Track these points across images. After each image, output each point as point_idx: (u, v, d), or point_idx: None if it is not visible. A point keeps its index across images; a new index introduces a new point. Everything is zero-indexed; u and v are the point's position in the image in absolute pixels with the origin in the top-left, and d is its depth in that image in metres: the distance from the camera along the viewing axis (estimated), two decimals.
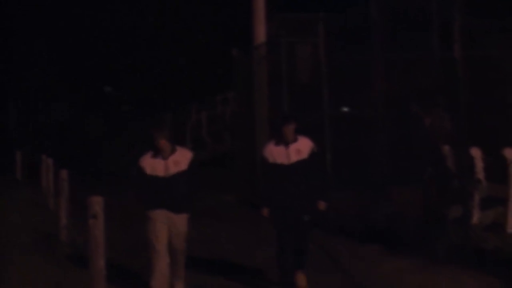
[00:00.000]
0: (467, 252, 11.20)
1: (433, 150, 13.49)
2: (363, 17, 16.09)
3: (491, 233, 12.46)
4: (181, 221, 9.90)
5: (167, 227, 9.78)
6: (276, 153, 10.14)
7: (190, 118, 37.15)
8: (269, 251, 13.32)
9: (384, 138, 15.50)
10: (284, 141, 10.15)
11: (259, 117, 20.42)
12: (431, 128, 14.13)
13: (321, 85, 17.19)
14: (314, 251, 13.12)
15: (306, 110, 18.11)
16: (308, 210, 10.16)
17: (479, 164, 13.21)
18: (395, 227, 12.97)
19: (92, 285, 8.59)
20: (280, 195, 10.07)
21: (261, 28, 20.76)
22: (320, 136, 16.22)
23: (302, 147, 10.16)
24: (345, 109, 18.28)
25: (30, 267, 12.29)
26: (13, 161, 33.97)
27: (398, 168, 14.31)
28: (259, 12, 20.80)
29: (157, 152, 9.87)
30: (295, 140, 10.17)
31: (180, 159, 9.89)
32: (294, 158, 10.06)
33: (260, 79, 20.41)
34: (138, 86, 48.29)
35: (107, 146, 41.50)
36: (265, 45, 20.48)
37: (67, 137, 43.75)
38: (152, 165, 9.84)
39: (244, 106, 22.25)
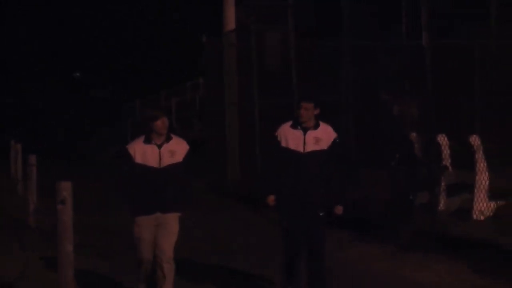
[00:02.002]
0: (434, 237, 11.25)
1: (401, 137, 13.55)
2: (332, 5, 16.11)
3: (457, 219, 12.54)
4: (171, 220, 8.47)
5: (154, 231, 8.45)
6: (291, 137, 8.50)
7: (159, 105, 37.08)
8: (239, 238, 13.40)
9: (352, 123, 15.56)
10: (302, 126, 8.49)
11: (229, 102, 20.46)
12: (399, 115, 14.18)
13: (290, 71, 17.21)
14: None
15: (275, 96, 18.14)
16: (322, 205, 8.52)
17: (446, 151, 13.29)
18: (363, 214, 13.00)
19: (60, 270, 8.56)
20: (289, 188, 8.49)
21: (231, 15, 20.75)
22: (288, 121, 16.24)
23: (323, 135, 8.49)
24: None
25: None
26: None
27: (366, 153, 14.35)
28: None
29: (151, 138, 8.36)
30: (315, 126, 8.50)
31: (176, 149, 8.43)
32: (310, 147, 8.41)
33: (230, 66, 20.44)
34: (108, 72, 48.17)
35: (76, 131, 41.35)
36: (234, 32, 20.49)
37: (35, 122, 43.48)
38: (143, 152, 8.33)
39: (214, 92, 22.25)
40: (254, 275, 10.39)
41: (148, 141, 8.36)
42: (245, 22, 20.14)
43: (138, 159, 8.31)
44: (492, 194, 12.90)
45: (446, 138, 13.37)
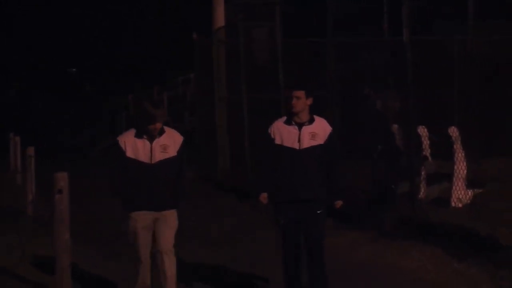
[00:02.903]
0: (414, 224, 11.29)
1: (383, 129, 13.57)
2: (317, 3, 16.12)
3: (436, 206, 12.58)
4: (169, 216, 7.82)
5: (151, 228, 7.77)
6: (285, 134, 7.83)
7: (156, 100, 37.04)
8: (227, 226, 13.40)
9: (336, 116, 15.58)
10: (296, 122, 7.84)
11: (219, 96, 20.48)
12: (382, 109, 14.21)
13: (277, 67, 17.20)
14: (269, 225, 13.18)
15: (263, 90, 18.16)
16: (321, 202, 7.93)
17: (426, 142, 13.34)
18: (347, 202, 13.03)
19: (58, 257, 8.57)
20: (286, 186, 7.84)
21: (220, 13, 20.74)
22: (276, 115, 16.24)
23: (319, 130, 7.86)
24: None
25: None
26: None
27: (349, 145, 14.36)
28: None
29: (142, 131, 7.65)
30: (310, 121, 7.86)
31: (169, 143, 7.70)
32: (307, 143, 7.79)
33: (219, 61, 20.45)
34: (102, 67, 48.08)
35: (71, 124, 41.26)
36: (223, 29, 20.49)
37: (34, 116, 43.38)
38: (134, 146, 7.60)
39: (204, 86, 22.24)
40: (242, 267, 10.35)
41: (139, 134, 7.65)
42: (233, 20, 20.13)
43: (129, 153, 7.61)
44: (470, 183, 12.95)
45: (426, 130, 13.41)
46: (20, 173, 19.23)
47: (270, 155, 7.99)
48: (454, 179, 12.85)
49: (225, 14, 20.81)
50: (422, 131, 13.35)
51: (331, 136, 7.92)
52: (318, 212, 7.89)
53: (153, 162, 7.60)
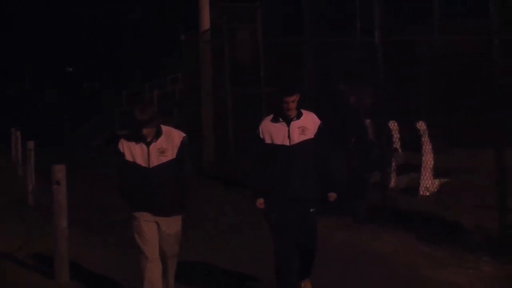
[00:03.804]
0: (385, 211, 11.32)
1: (357, 123, 13.59)
2: (296, 5, 16.10)
3: (406, 195, 12.62)
4: (171, 223, 7.05)
5: (156, 226, 7.03)
6: (274, 132, 7.20)
7: (144, 96, 37.05)
8: (211, 213, 13.37)
9: (312, 110, 15.59)
10: (284, 117, 7.23)
11: (204, 93, 20.52)
12: (355, 104, 14.23)
13: (258, 65, 17.21)
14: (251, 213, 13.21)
15: (245, 87, 18.18)
16: (314, 200, 7.31)
17: (396, 135, 13.35)
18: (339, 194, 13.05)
19: (57, 243, 8.57)
20: (279, 184, 7.19)
21: (206, 16, 20.73)
22: (258, 110, 16.29)
23: (308, 124, 7.26)
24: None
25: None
26: None
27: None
28: (204, 2, 20.76)
29: (138, 135, 6.85)
30: (298, 116, 7.27)
31: (167, 146, 6.87)
32: (297, 138, 7.17)
33: (205, 60, 20.48)
34: (99, 66, 48.01)
35: (69, 119, 41.17)
36: (209, 30, 20.51)
37: (34, 112, 43.22)
38: (132, 150, 6.87)
39: (191, 84, 22.27)
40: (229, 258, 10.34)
41: (136, 139, 6.87)
42: (218, 22, 20.13)
43: (128, 156, 6.86)
44: (437, 173, 12.99)
45: (396, 124, 13.43)
46: (21, 165, 19.19)
47: (261, 156, 7.33)
48: (422, 169, 12.88)
49: (211, 16, 20.80)
50: (393, 125, 13.37)
51: (320, 129, 7.31)
52: (311, 210, 7.26)
53: (150, 166, 6.81)
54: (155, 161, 6.81)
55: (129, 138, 6.91)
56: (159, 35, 43.98)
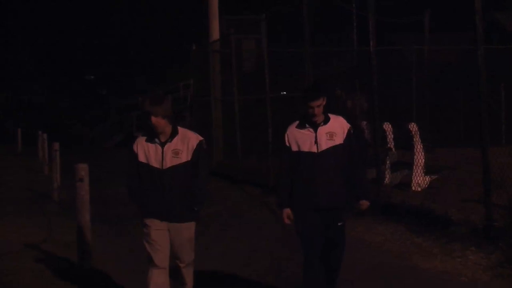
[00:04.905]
0: (380, 205, 11.31)
1: (353, 125, 13.60)
2: (297, 18, 16.13)
3: (399, 190, 12.62)
4: (184, 229, 6.25)
5: (168, 234, 6.25)
6: (301, 139, 6.28)
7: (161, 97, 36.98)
8: (220, 206, 13.35)
9: None
10: (311, 123, 6.31)
11: (214, 98, 20.51)
12: (351, 108, 14.25)
13: (263, 72, 17.21)
14: (256, 207, 13.22)
15: (251, 93, 18.20)
16: (343, 210, 6.42)
17: (390, 136, 13.37)
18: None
19: (80, 234, 8.59)
20: (307, 193, 6.26)
21: (215, 27, 20.73)
22: (263, 113, 16.31)
23: (336, 129, 6.31)
24: (284, 92, 18.38)
25: (27, 220, 12.21)
26: (15, 135, 33.65)
27: None
28: (213, 15, 20.77)
29: (153, 135, 6.16)
30: (326, 121, 6.34)
31: (182, 148, 6.13)
32: (325, 144, 6.25)
33: (214, 68, 20.47)
34: (117, 74, 48.08)
35: (89, 123, 41.25)
36: (218, 41, 20.51)
37: (58, 116, 43.26)
38: (146, 151, 6.15)
39: (202, 90, 22.26)
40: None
41: (151, 138, 6.18)
42: (226, 33, 20.15)
43: (141, 157, 6.16)
44: (427, 170, 13.00)
45: (390, 125, 13.45)
46: (47, 164, 19.23)
47: (288, 165, 6.38)
48: (413, 167, 12.88)
49: (219, 28, 20.83)
50: (387, 126, 13.40)
51: (349, 133, 6.38)
52: (339, 224, 6.38)
53: (164, 167, 6.09)
54: (169, 162, 6.10)
55: (144, 139, 6.22)
56: (168, 46, 43.95)
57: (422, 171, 12.90)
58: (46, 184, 15.89)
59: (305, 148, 6.27)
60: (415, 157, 12.90)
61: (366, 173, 6.82)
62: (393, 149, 13.42)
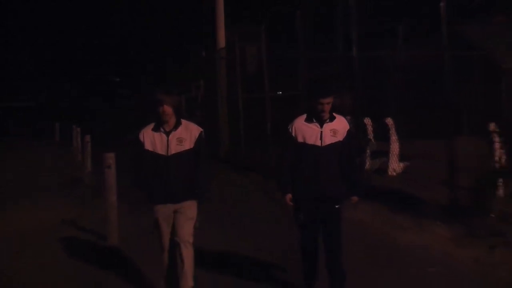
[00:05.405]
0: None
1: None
2: (292, 27, 16.13)
3: (377, 175, 12.66)
4: (187, 207, 5.99)
5: (171, 219, 6.03)
6: (307, 132, 5.96)
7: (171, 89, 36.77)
8: (226, 191, 13.34)
9: (307, 110, 15.59)
10: (318, 119, 5.98)
11: (221, 96, 20.54)
12: (339, 105, 14.24)
13: (263, 74, 17.21)
14: (259, 192, 13.24)
15: (253, 92, 18.20)
16: (340, 200, 6.03)
17: (370, 129, 13.39)
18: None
19: (107, 213, 8.64)
20: (308, 183, 5.93)
21: (221, 36, 20.74)
22: (262, 109, 16.33)
23: (339, 127, 6.01)
24: (280, 92, 18.37)
25: (64, 199, 12.27)
26: (53, 129, 33.78)
27: None
28: (220, 27, 20.78)
29: (159, 124, 5.95)
30: (331, 118, 6.01)
31: (185, 136, 5.94)
32: (328, 140, 5.94)
33: (221, 71, 20.50)
34: (138, 76, 47.68)
35: (113, 119, 41.25)
36: (224, 48, 20.52)
37: (89, 113, 43.26)
38: (152, 139, 5.92)
39: (210, 90, 22.28)
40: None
41: (157, 128, 5.95)
42: (231, 40, 20.14)
43: (148, 145, 5.90)
44: (401, 158, 13.04)
45: (370, 120, 13.46)
46: (80, 153, 19.29)
47: (291, 154, 6.01)
48: (390, 155, 12.94)
49: (225, 36, 20.82)
50: (367, 121, 13.42)
51: (349, 133, 6.07)
52: (337, 206, 6.01)
53: (169, 154, 5.87)
54: (173, 149, 5.88)
55: (150, 128, 5.97)
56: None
57: (397, 159, 12.94)
58: (79, 170, 15.92)
59: (311, 141, 5.93)
60: (391, 146, 12.95)
61: (359, 170, 5.85)
62: (373, 140, 13.44)
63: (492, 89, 17.99)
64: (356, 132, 5.99)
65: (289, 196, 5.96)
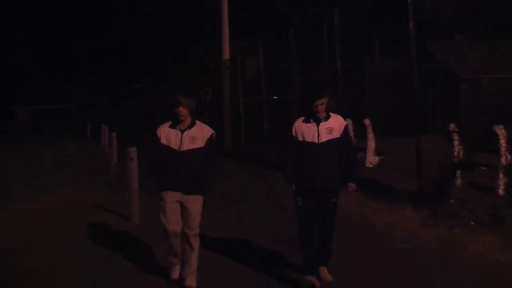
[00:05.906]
0: None
1: None
2: (287, 43, 16.18)
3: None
4: (193, 201, 5.75)
5: (179, 207, 5.79)
6: (306, 131, 5.80)
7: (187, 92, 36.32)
8: (227, 182, 13.32)
9: (298, 113, 15.65)
10: (314, 118, 5.81)
11: (225, 101, 20.58)
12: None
13: (261, 82, 17.26)
14: (254, 181, 13.26)
15: (252, 97, 18.26)
16: (336, 191, 5.86)
17: (351, 128, 13.44)
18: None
19: (130, 199, 8.70)
20: (308, 175, 5.76)
21: (226, 49, 20.74)
22: (260, 113, 16.39)
23: (335, 125, 5.81)
24: (275, 97, 18.41)
25: (93, 186, 12.30)
26: (85, 127, 33.94)
27: None
28: (225, 41, 20.78)
29: (175, 123, 5.76)
30: (327, 118, 5.82)
31: (198, 136, 5.75)
32: (324, 137, 5.75)
33: (225, 79, 20.52)
34: (156, 84, 47.08)
35: (135, 118, 41.10)
36: (228, 60, 20.56)
37: (116, 114, 43.03)
38: (167, 135, 5.74)
39: (217, 95, 22.34)
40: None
41: (173, 125, 5.77)
42: (234, 53, 20.19)
43: (163, 140, 5.72)
44: (377, 152, 13.07)
45: (350, 120, 13.51)
46: (107, 147, 19.33)
47: (293, 150, 5.84)
48: (367, 150, 12.97)
49: (229, 50, 20.86)
50: (349, 121, 13.45)
51: (346, 129, 5.85)
52: (333, 200, 5.85)
53: (181, 149, 5.67)
54: (186, 146, 5.67)
55: (167, 125, 5.80)
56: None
57: (373, 153, 12.98)
58: (106, 163, 15.96)
59: (309, 139, 5.75)
60: (368, 143, 12.98)
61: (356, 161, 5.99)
62: (353, 138, 13.47)
63: (452, 95, 18.11)
64: None
65: (293, 185, 5.81)
